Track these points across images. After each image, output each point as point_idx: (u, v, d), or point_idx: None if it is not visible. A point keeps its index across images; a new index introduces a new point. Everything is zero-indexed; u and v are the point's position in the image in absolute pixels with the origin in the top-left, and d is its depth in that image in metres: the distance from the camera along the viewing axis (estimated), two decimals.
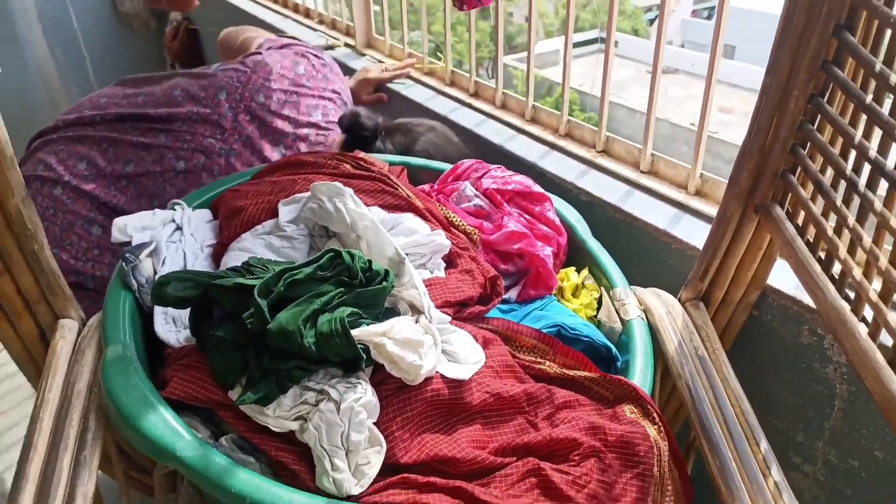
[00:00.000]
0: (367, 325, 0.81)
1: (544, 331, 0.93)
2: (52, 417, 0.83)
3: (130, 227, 1.06)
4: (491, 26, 1.65)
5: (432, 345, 0.81)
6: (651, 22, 18.09)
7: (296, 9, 2.49)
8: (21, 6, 2.99)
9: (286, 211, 1.05)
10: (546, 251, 1.08)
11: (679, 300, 1.02)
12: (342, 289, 0.85)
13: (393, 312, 0.88)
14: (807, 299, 0.95)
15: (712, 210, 1.17)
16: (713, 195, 1.23)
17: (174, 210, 1.12)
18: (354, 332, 0.79)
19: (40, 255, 0.92)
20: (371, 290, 0.85)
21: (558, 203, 1.22)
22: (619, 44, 15.59)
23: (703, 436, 0.79)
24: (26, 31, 2.63)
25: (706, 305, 1.00)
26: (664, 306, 0.98)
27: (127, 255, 1.00)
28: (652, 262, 1.19)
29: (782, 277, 0.99)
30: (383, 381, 0.80)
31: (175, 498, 0.94)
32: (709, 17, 17.79)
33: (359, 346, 0.79)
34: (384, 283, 0.86)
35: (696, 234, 1.14)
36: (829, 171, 0.82)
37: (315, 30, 2.29)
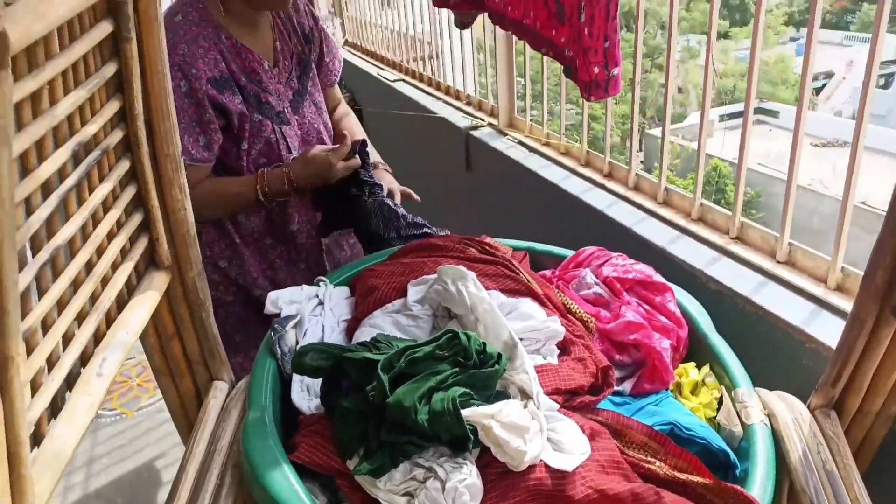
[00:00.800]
0: (478, 406, 0.85)
1: (657, 428, 0.91)
2: (196, 470, 0.94)
3: (281, 300, 1.19)
4: (640, 98, 1.67)
5: (538, 431, 0.83)
6: (817, 91, 17.02)
7: (447, 91, 2.71)
8: None
9: (414, 291, 1.14)
10: (664, 344, 1.07)
11: (808, 406, 0.95)
12: (457, 369, 0.90)
13: (503, 395, 0.91)
14: None
15: None
16: (855, 291, 1.15)
17: (318, 286, 1.25)
18: (464, 413, 0.83)
19: (206, 322, 1.07)
20: (484, 373, 0.89)
21: (680, 294, 1.20)
22: (781, 114, 14.74)
23: None
24: None
25: (839, 415, 0.93)
26: (791, 412, 0.93)
27: (276, 325, 1.13)
28: (782, 362, 1.13)
29: None
30: (489, 464, 0.83)
31: None
32: (885, 86, 16.43)
33: (468, 426, 0.83)
34: (496, 367, 0.90)
35: (834, 334, 1.06)
36: None
37: (462, 110, 2.47)
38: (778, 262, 1.30)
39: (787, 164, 1.28)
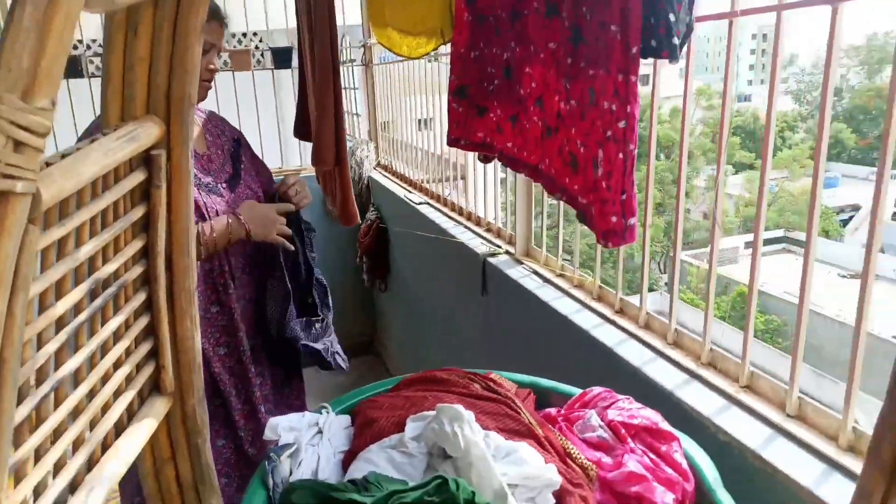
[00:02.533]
0: None
1: None
2: None
3: (280, 427, 1.20)
4: (665, 222, 1.71)
5: None
6: (844, 223, 17.08)
7: (468, 217, 2.80)
8: None
9: (412, 427, 1.13)
10: (667, 498, 1.03)
11: None
12: None
13: None
14: None
15: None
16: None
17: (320, 413, 1.25)
18: None
19: (202, 449, 1.07)
20: None
21: (688, 444, 1.17)
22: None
23: None
24: None
25: None
26: None
27: (271, 454, 1.12)
28: None
29: None
30: None
31: None
32: None
33: None
34: None
35: (845, 497, 1.03)
36: None
37: (482, 236, 2.55)
38: (788, 415, 1.27)
39: (816, 293, 1.28)
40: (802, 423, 1.25)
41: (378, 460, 1.09)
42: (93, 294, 0.82)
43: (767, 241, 14.46)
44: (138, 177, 0.86)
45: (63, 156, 0.69)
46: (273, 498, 1.06)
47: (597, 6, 1.27)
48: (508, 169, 2.19)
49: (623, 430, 1.16)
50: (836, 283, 12.30)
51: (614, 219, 1.28)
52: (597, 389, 1.29)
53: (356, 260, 3.80)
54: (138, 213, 0.88)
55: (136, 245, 0.90)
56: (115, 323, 0.88)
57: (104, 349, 0.88)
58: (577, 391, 1.32)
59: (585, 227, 1.39)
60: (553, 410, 1.28)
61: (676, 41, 1.17)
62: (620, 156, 1.24)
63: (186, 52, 0.93)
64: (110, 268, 0.83)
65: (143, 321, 0.96)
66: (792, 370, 1.27)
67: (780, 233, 14.96)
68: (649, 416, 1.19)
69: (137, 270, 0.92)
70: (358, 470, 1.07)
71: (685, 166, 1.55)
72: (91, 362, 0.85)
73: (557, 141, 1.47)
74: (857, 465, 1.10)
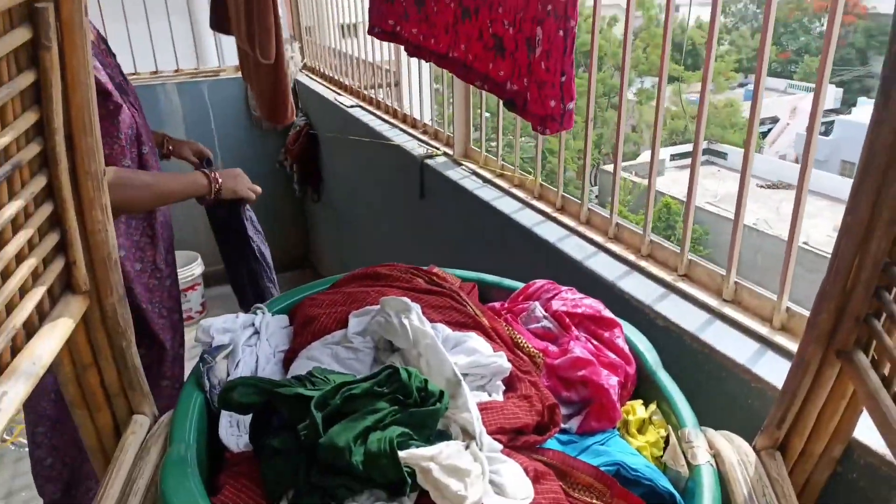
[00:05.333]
0: (417, 446, 0.82)
1: (603, 468, 0.89)
2: None
3: (213, 328, 1.14)
4: (597, 135, 1.70)
5: (480, 474, 0.80)
6: (763, 135, 17.80)
7: (404, 119, 2.70)
8: (169, 108, 3.45)
9: (355, 323, 1.10)
10: (612, 381, 1.05)
11: (754, 447, 0.95)
12: (396, 407, 0.86)
13: (445, 435, 0.88)
14: None
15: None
16: (800, 332, 1.16)
17: (255, 314, 1.19)
18: (402, 454, 0.79)
19: (127, 352, 1.00)
20: (424, 412, 0.86)
21: (629, 330, 1.19)
22: (729, 156, 15.30)
23: None
24: (172, 129, 3.04)
25: (784, 456, 0.93)
26: (736, 453, 0.92)
27: (205, 356, 1.07)
28: (728, 400, 1.13)
29: (872, 431, 0.90)
30: None
31: None
32: (827, 133, 17.31)
33: (405, 468, 0.79)
34: (438, 405, 0.87)
35: (779, 373, 1.07)
36: None
37: (419, 139, 2.47)
38: (724, 300, 1.32)
39: (735, 203, 1.31)
40: (738, 306, 1.29)
41: (322, 357, 1.06)
42: None
43: (689, 154, 14.88)
44: (23, 34, 0.74)
45: None
46: (211, 399, 1.02)
47: None
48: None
49: (567, 320, 1.17)
50: (754, 193, 12.89)
51: (553, 103, 1.23)
52: (540, 282, 1.28)
53: (285, 170, 3.64)
54: (27, 79, 0.76)
55: (29, 118, 0.78)
56: (13, 208, 0.78)
57: (3, 240, 0.79)
58: (520, 285, 1.31)
59: (528, 130, 1.34)
60: (497, 304, 1.28)
61: None
62: (560, 33, 1.18)
63: None
64: (1, 141, 0.73)
65: (46, 209, 0.86)
66: (730, 256, 1.30)
67: (703, 144, 15.49)
68: (592, 304, 1.20)
69: (33, 150, 0.82)
70: (301, 368, 1.03)
71: (627, 75, 1.52)
72: None
73: (477, 24, 1.38)
74: (789, 343, 1.15)
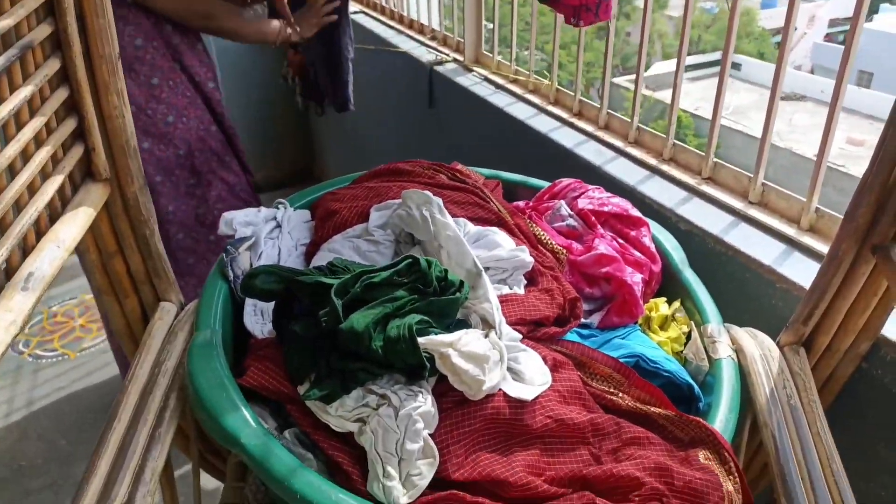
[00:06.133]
0: (436, 334, 0.79)
1: (622, 360, 0.87)
2: (139, 392, 0.87)
3: (236, 221, 1.11)
4: (604, 46, 1.58)
5: (498, 361, 0.78)
6: (778, 45, 16.86)
7: (410, 25, 2.52)
8: None
9: (376, 216, 1.06)
10: (636, 278, 1.01)
11: (777, 344, 0.91)
12: (416, 296, 0.83)
13: (464, 324, 0.85)
14: None
15: (826, 248, 1.05)
16: (828, 232, 1.10)
17: (277, 209, 1.16)
18: (421, 340, 0.77)
19: (150, 241, 0.98)
20: (444, 300, 0.83)
21: (656, 229, 1.14)
22: (743, 67, 14.35)
23: (784, 495, 0.69)
24: None
25: (808, 352, 0.89)
26: (759, 348, 0.89)
27: (229, 247, 1.04)
28: (752, 301, 1.09)
29: None
30: (445, 392, 0.78)
31: (243, 487, 0.96)
32: (843, 42, 16.23)
33: (424, 354, 0.77)
34: (457, 294, 0.84)
35: (805, 274, 1.03)
36: None
37: (427, 45, 2.31)
38: (750, 202, 1.25)
39: (747, 117, 1.22)
40: (765, 208, 1.23)
41: (343, 250, 1.03)
42: None
43: (705, 65, 13.99)
44: None
45: None
46: (234, 288, 1.00)
47: None
48: None
49: (593, 218, 1.12)
50: (765, 104, 12.26)
51: None
52: (566, 181, 1.22)
53: (287, 82, 3.42)
54: None
55: None
56: (27, 90, 0.73)
57: (20, 122, 0.75)
58: (545, 184, 1.26)
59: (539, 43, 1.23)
60: (522, 203, 1.22)
61: None
62: None
63: None
64: (6, 22, 0.67)
65: (62, 94, 0.81)
66: (759, 156, 1.23)
67: (718, 55, 14.51)
68: (619, 203, 1.14)
69: (45, 30, 0.76)
70: (322, 259, 1.00)
71: None
72: (5, 134, 0.72)
73: None
74: (817, 244, 1.09)
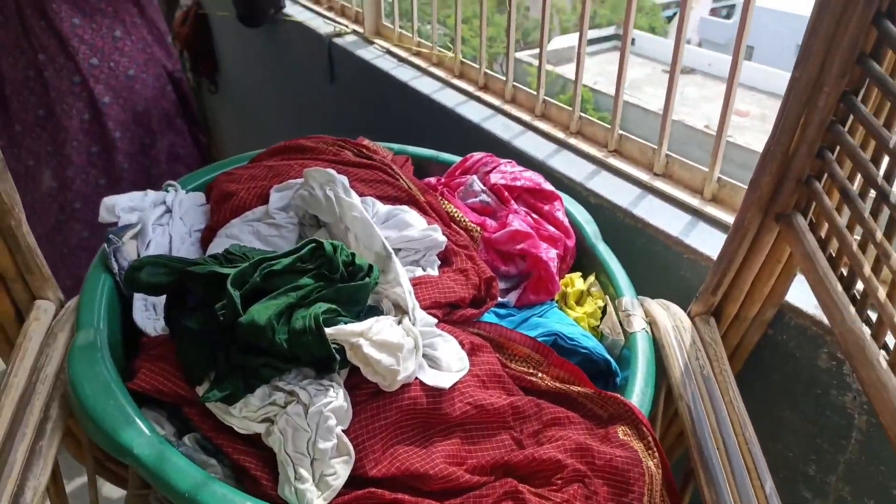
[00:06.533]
0: (346, 323, 0.73)
1: (540, 339, 0.84)
2: (15, 402, 0.76)
3: (119, 207, 0.99)
4: (506, 20, 1.54)
5: (413, 349, 0.73)
6: (669, 19, 17.42)
7: None
8: None
9: (277, 197, 0.97)
10: (550, 254, 0.99)
11: (688, 314, 0.92)
12: (322, 283, 0.77)
13: (376, 311, 0.80)
14: (827, 320, 0.84)
15: (729, 219, 1.06)
16: (731, 202, 1.12)
17: (167, 192, 1.05)
18: (329, 331, 0.71)
19: (17, 232, 0.85)
20: (352, 286, 0.77)
21: (568, 202, 1.12)
22: (637, 42, 14.70)
23: (701, 465, 0.69)
24: None
25: (717, 321, 0.90)
26: (671, 319, 0.88)
27: (111, 236, 0.93)
28: (662, 272, 1.09)
29: (802, 294, 0.88)
30: (357, 385, 0.72)
31: (148, 494, 0.87)
32: (727, 17, 16.99)
33: (333, 345, 0.71)
34: (367, 279, 0.78)
35: (711, 243, 1.03)
36: (859, 179, 0.72)
37: (324, 16, 2.16)
38: (656, 174, 1.25)
39: (642, 90, 1.21)
40: (669, 179, 1.23)
41: (241, 235, 0.94)
42: None
43: (599, 39, 14.24)
44: None
45: None
46: (120, 282, 0.89)
47: None
48: None
49: (506, 193, 1.08)
50: (657, 77, 12.66)
51: None
52: (478, 155, 1.18)
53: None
54: None
55: None
56: None
57: None
58: (457, 159, 1.21)
59: (441, 17, 1.17)
60: (433, 179, 1.17)
61: None
62: None
63: None
64: None
65: None
66: (661, 130, 1.23)
67: (611, 30, 14.80)
68: (532, 177, 1.11)
69: None
70: (219, 247, 0.91)
71: None
72: None
73: None
74: (721, 214, 1.11)
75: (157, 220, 0.98)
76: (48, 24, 1.57)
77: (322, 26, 2.06)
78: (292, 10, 2.21)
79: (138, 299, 0.89)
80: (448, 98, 1.60)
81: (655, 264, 1.10)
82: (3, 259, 0.87)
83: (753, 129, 10.09)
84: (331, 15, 2.16)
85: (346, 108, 2.06)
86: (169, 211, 1.00)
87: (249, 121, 2.89)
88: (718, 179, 1.15)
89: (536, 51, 1.53)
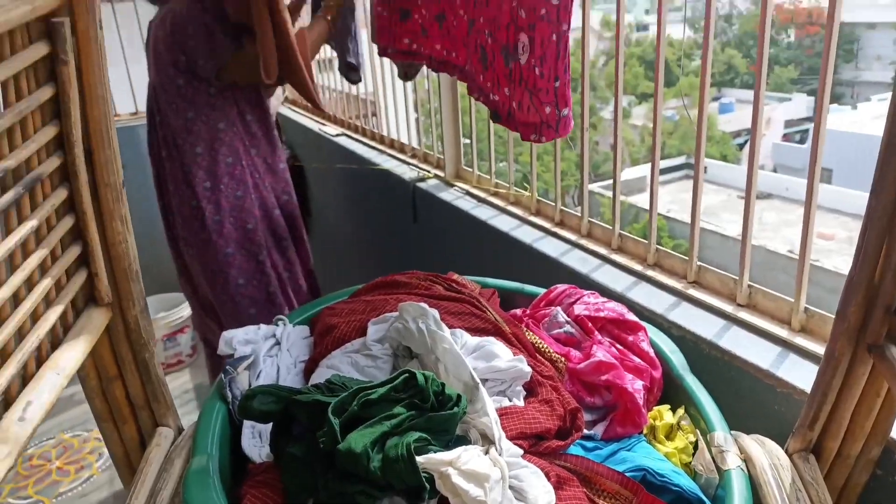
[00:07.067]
0: (435, 451, 0.75)
1: (628, 475, 0.81)
2: None
3: (236, 340, 1.08)
4: (577, 155, 1.62)
5: (499, 479, 0.73)
6: (740, 147, 17.31)
7: (391, 144, 2.54)
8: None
9: (374, 330, 1.04)
10: (636, 385, 0.98)
11: (786, 451, 0.86)
12: (414, 412, 0.79)
13: (464, 440, 0.81)
14: None
15: (821, 349, 1.02)
16: (821, 332, 1.08)
17: (276, 325, 1.14)
18: (420, 459, 0.72)
19: (150, 364, 0.95)
20: (442, 416, 0.79)
21: (653, 333, 1.11)
22: (708, 169, 14.56)
23: None
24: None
25: (818, 459, 0.84)
26: (768, 457, 0.83)
27: (228, 367, 1.01)
28: (754, 406, 1.04)
29: None
30: None
31: None
32: (801, 141, 16.75)
33: (424, 474, 0.72)
34: (455, 409, 0.80)
35: (803, 375, 0.99)
36: None
37: (408, 163, 2.33)
38: (739, 305, 1.23)
39: (718, 216, 1.23)
40: (754, 310, 1.21)
41: (341, 366, 1.00)
42: (3, 187, 0.68)
43: (671, 169, 14.31)
44: (40, 49, 0.70)
45: None
46: (233, 410, 0.96)
47: None
48: (438, 80, 2.04)
49: (590, 324, 1.10)
50: (733, 203, 12.43)
51: (548, 109, 1.14)
52: (561, 287, 1.21)
53: None
54: (46, 93, 0.73)
55: (49, 132, 0.75)
56: (35, 220, 0.73)
57: (26, 251, 0.74)
58: (541, 291, 1.24)
59: (516, 153, 1.24)
60: (519, 311, 1.21)
61: None
62: (554, 37, 1.10)
63: None
64: (21, 154, 0.68)
65: (68, 222, 0.81)
66: (741, 259, 1.22)
67: (682, 160, 14.90)
68: (615, 308, 1.13)
69: (54, 163, 0.78)
70: (321, 377, 0.97)
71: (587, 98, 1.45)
72: (12, 265, 0.71)
73: (474, 35, 1.32)
74: (812, 345, 1.06)
75: (268, 351, 1.06)
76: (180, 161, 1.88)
77: (407, 172, 2.23)
78: (380, 160, 2.41)
79: (247, 427, 0.95)
80: (526, 234, 1.67)
81: (746, 398, 1.06)
82: (135, 387, 0.97)
83: (841, 251, 9.63)
84: (414, 161, 2.34)
85: (429, 246, 2.17)
86: (278, 343, 1.08)
87: (339, 257, 3.06)
88: (806, 310, 1.12)
89: (607, 182, 1.60)
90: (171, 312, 3.00)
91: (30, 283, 0.76)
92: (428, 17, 1.48)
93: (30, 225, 0.73)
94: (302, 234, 2.08)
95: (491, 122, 1.31)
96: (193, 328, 3.00)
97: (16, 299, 0.73)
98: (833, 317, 0.88)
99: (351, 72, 2.09)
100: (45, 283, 0.77)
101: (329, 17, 1.90)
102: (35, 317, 0.77)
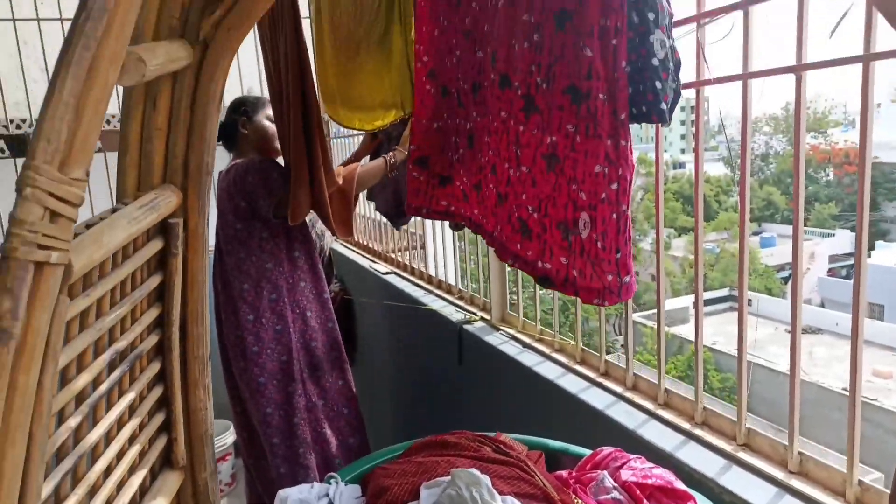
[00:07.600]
0: None
1: None
2: None
3: (290, 499, 1.10)
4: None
5: None
6: (785, 281, 17.23)
7: (439, 285, 2.59)
8: None
9: (426, 494, 1.04)
10: None
11: None
12: None
13: None
14: None
15: None
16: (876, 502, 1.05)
17: (329, 483, 1.15)
18: None
19: None
20: None
21: (702, 502, 1.09)
22: (754, 303, 14.57)
23: None
24: None
25: None
26: None
27: None
28: None
29: None
30: None
31: None
32: (847, 276, 16.64)
33: None
34: None
35: None
36: None
37: (455, 304, 2.37)
38: (790, 471, 1.21)
39: (766, 350, 1.24)
40: (806, 479, 1.18)
41: None
42: (111, 367, 0.75)
43: (714, 301, 14.23)
44: (156, 245, 0.80)
45: (87, 226, 0.63)
46: None
47: (554, 78, 1.24)
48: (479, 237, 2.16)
49: (638, 491, 1.09)
50: (780, 337, 12.22)
51: (610, 277, 1.22)
52: (607, 449, 1.21)
53: None
54: (155, 281, 0.82)
55: (152, 314, 0.83)
56: (131, 395, 0.80)
57: (120, 423, 0.80)
58: (586, 452, 1.24)
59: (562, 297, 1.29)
60: (565, 473, 1.20)
61: (664, 107, 1.16)
62: (614, 216, 1.19)
63: (205, 122, 0.89)
64: (128, 338, 0.76)
65: (157, 392, 0.88)
66: (790, 427, 1.22)
67: (724, 292, 14.85)
68: (663, 475, 1.12)
69: (153, 340, 0.85)
70: None
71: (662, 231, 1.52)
72: (107, 437, 0.77)
73: (506, 208, 1.42)
74: None
75: None
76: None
77: (454, 313, 2.27)
78: (427, 300, 2.46)
79: None
80: (571, 384, 1.67)
81: None
82: None
83: None
84: (461, 303, 2.38)
85: (473, 388, 2.16)
86: (331, 502, 1.09)
87: (384, 392, 3.04)
88: (860, 483, 1.09)
89: (649, 311, 1.61)
90: (215, 440, 2.98)
91: (120, 453, 0.80)
92: (469, 184, 1.61)
93: (129, 398, 0.79)
94: (343, 359, 2.20)
95: (540, 286, 1.37)
96: (235, 455, 3.00)
97: (108, 469, 0.77)
98: (887, 491, 0.86)
99: (400, 218, 2.23)
100: (133, 452, 0.82)
101: (392, 161, 2.09)
102: (120, 484, 0.81)
